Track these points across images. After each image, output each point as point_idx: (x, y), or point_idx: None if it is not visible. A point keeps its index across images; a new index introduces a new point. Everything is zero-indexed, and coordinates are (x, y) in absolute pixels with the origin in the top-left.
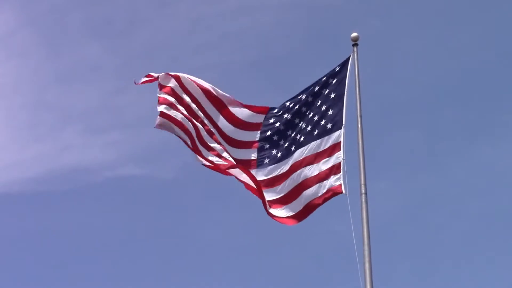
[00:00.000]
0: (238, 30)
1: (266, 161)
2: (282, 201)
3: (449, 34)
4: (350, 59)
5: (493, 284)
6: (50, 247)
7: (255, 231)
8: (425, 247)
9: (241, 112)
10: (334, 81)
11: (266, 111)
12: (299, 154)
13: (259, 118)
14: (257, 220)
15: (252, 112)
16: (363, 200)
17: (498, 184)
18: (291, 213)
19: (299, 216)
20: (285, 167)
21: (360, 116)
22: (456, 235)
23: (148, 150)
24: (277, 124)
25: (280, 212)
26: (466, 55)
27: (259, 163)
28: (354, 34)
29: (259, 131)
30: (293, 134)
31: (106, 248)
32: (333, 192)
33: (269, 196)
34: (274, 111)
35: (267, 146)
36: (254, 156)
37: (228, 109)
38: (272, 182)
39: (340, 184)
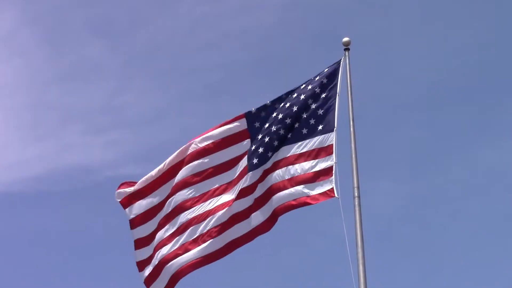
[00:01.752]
0: (239, 30)
1: (256, 161)
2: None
3: (450, 33)
4: (341, 64)
5: (493, 284)
6: (51, 247)
7: None
8: (426, 246)
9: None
10: (324, 83)
11: (243, 116)
12: (285, 151)
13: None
14: None
15: (233, 133)
16: (356, 203)
17: (499, 184)
18: (270, 211)
19: (276, 213)
20: (268, 163)
21: (353, 120)
22: (457, 235)
23: (149, 150)
24: (265, 126)
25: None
26: (467, 54)
27: (250, 167)
28: (345, 39)
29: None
30: (278, 130)
31: (107, 247)
32: (325, 195)
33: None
34: (253, 111)
35: (253, 147)
36: (245, 163)
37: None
38: (262, 177)
39: (332, 188)
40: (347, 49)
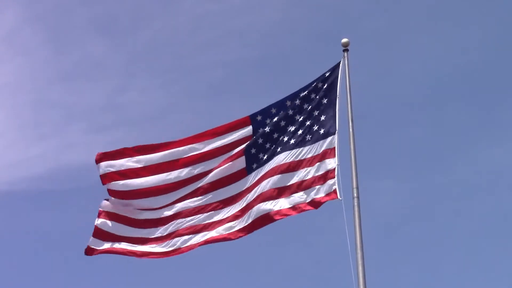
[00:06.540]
0: (242, 28)
1: (255, 165)
2: (264, 198)
3: (452, 32)
4: (340, 65)
5: (496, 283)
6: (54, 246)
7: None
8: (428, 245)
9: (224, 140)
10: (324, 86)
11: (248, 121)
12: (286, 156)
13: (248, 132)
14: None
15: (236, 131)
16: (355, 204)
17: (502, 183)
18: (276, 209)
19: (283, 214)
20: (267, 167)
21: (352, 121)
22: (460, 234)
23: None
24: (264, 129)
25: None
26: (469, 52)
27: (248, 170)
28: (344, 40)
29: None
30: (280, 137)
31: None
32: (328, 197)
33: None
34: (259, 118)
35: (254, 151)
36: (243, 164)
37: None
38: (257, 183)
39: (335, 189)
40: (346, 50)
